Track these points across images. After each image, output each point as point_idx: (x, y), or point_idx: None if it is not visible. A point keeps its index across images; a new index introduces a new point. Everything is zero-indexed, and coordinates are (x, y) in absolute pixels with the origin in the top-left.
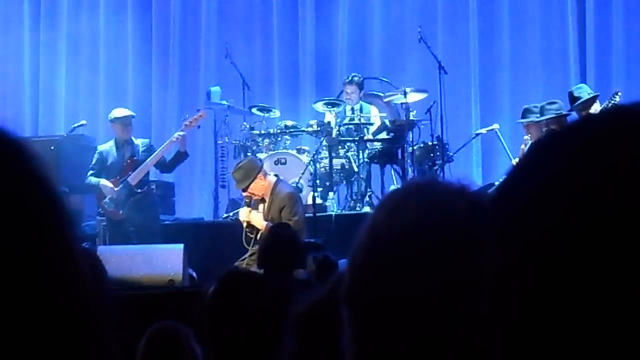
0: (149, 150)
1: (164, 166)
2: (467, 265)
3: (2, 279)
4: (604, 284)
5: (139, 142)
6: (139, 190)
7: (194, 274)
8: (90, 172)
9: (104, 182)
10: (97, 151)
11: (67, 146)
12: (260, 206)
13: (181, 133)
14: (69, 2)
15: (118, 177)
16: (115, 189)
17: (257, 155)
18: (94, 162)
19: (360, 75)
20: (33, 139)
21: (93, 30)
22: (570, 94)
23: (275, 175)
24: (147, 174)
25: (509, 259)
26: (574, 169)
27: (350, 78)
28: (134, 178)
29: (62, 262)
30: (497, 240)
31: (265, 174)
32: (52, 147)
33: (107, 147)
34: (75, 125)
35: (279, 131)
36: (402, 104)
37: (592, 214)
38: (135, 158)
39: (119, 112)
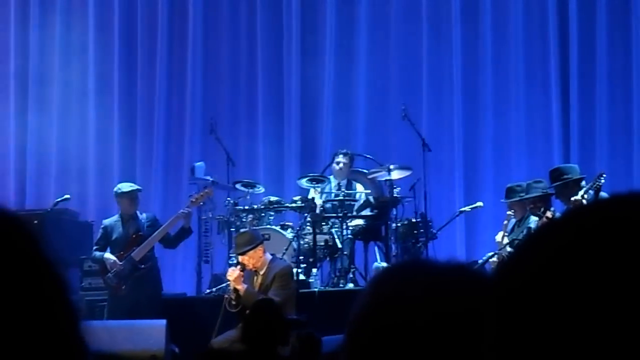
0: (154, 224)
1: (168, 242)
2: (462, 342)
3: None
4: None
5: (144, 217)
6: (143, 266)
7: (177, 350)
8: (95, 247)
9: (107, 255)
10: (102, 226)
11: (51, 220)
12: (254, 278)
13: (187, 209)
14: (59, 82)
15: (122, 252)
16: (120, 263)
17: (241, 231)
18: (99, 237)
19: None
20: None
21: (81, 105)
22: (558, 170)
23: (272, 254)
24: (152, 249)
25: (508, 341)
26: (569, 259)
27: (344, 150)
28: (137, 253)
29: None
30: (497, 323)
31: (265, 250)
32: (36, 221)
33: (112, 221)
34: (59, 199)
35: (263, 207)
36: (386, 180)
37: (587, 305)
38: (140, 233)
39: (126, 186)
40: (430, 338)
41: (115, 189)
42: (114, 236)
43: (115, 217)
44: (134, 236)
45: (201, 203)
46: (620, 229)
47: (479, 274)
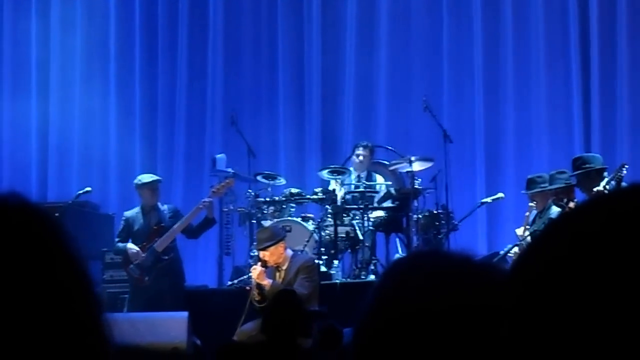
0: (176, 215)
1: (191, 232)
2: (472, 334)
3: (30, 346)
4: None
5: (166, 208)
6: (165, 257)
7: (199, 342)
8: (117, 239)
9: (130, 246)
10: (124, 218)
11: (72, 213)
12: (276, 275)
13: (208, 200)
14: (81, 74)
15: (144, 244)
16: (142, 254)
17: (262, 223)
18: (120, 229)
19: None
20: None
21: (103, 98)
22: (580, 158)
23: (293, 250)
24: (174, 240)
25: (524, 331)
26: (586, 250)
27: (365, 143)
28: (160, 245)
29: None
30: (514, 313)
31: (286, 246)
32: (57, 214)
33: (134, 213)
34: (80, 192)
35: (284, 199)
36: (407, 172)
37: (605, 294)
38: (162, 224)
39: (146, 177)
40: (435, 330)
41: (135, 180)
42: (136, 227)
43: (137, 209)
44: (155, 227)
45: (223, 193)
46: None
47: (489, 266)
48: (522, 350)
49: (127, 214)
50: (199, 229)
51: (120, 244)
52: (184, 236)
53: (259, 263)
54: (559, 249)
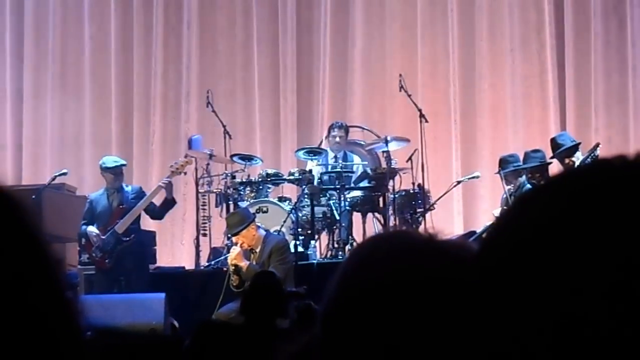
0: (139, 196)
1: (153, 213)
2: (439, 317)
3: None
4: (584, 330)
5: (129, 189)
6: (126, 239)
7: (176, 323)
8: (83, 221)
9: (90, 229)
10: (88, 200)
11: (48, 195)
12: (251, 257)
13: (167, 180)
14: (53, 54)
15: (106, 225)
16: (103, 237)
17: (239, 204)
18: (85, 211)
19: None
20: (14, 188)
21: (78, 79)
22: (553, 140)
23: (265, 230)
24: (137, 221)
25: (493, 309)
26: (556, 224)
27: (340, 123)
28: (121, 226)
29: (56, 315)
30: (482, 292)
31: (257, 227)
32: (33, 197)
33: (98, 195)
34: (57, 174)
35: (260, 179)
36: (383, 152)
37: (573, 269)
38: (123, 206)
39: (109, 161)
40: (399, 309)
41: (100, 162)
42: (99, 209)
43: (101, 191)
44: (116, 209)
45: (183, 172)
46: (606, 191)
47: (455, 244)
48: (490, 325)
49: (92, 195)
50: (161, 210)
51: (83, 227)
52: (149, 217)
53: (239, 244)
54: (527, 225)
